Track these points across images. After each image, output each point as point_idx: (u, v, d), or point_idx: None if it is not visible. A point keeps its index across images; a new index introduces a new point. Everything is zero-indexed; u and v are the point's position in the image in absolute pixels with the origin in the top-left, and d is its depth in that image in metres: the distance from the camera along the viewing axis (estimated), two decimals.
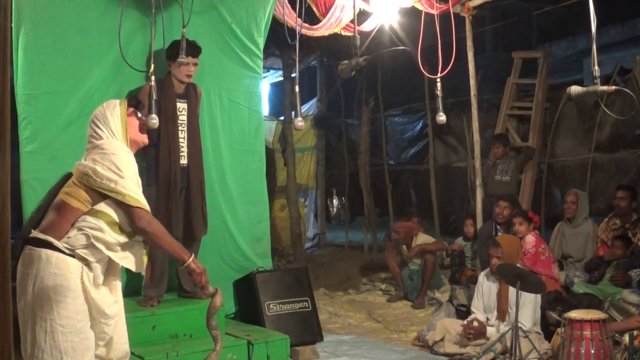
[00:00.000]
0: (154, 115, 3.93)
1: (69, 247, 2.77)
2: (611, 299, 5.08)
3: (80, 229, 2.78)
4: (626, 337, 4.26)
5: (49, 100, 4.53)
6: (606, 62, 8.40)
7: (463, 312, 5.85)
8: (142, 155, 4.50)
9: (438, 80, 4.37)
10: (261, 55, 5.56)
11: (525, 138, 8.04)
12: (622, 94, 5.30)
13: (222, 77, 5.35)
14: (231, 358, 4.37)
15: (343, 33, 5.88)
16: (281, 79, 11.00)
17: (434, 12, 5.08)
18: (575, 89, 3.30)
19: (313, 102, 11.99)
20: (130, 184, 2.80)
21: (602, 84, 3.31)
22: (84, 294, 2.79)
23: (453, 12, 5.14)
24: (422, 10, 5.34)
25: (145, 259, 3.02)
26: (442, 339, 5.14)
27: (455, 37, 4.38)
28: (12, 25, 4.10)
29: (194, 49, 4.72)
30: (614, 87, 3.24)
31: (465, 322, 5.06)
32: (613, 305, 4.93)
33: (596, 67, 3.19)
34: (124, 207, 2.81)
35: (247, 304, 5.26)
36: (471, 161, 8.33)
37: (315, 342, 5.22)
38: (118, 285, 2.98)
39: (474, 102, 6.69)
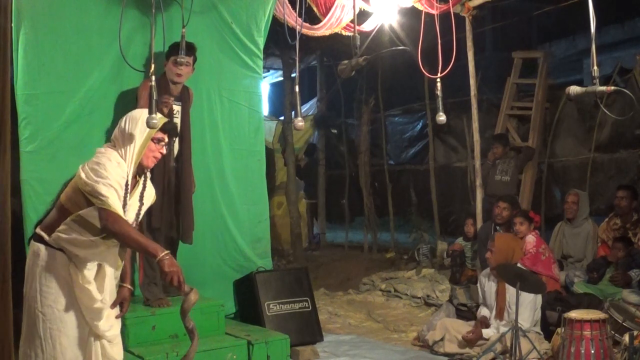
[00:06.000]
0: (154, 116, 3.93)
1: (55, 242, 2.92)
2: (611, 299, 5.08)
3: (63, 226, 2.92)
4: (626, 337, 4.26)
5: (49, 100, 4.52)
6: (606, 62, 8.41)
7: (463, 312, 5.85)
8: None
9: (438, 80, 4.37)
10: (261, 55, 5.56)
11: (525, 138, 8.03)
12: (622, 94, 5.30)
13: (222, 77, 5.35)
14: (231, 358, 4.37)
15: (343, 33, 5.88)
16: (281, 79, 11.00)
17: (434, 12, 5.08)
18: (574, 89, 3.29)
19: (313, 102, 11.98)
20: (104, 189, 2.85)
21: (602, 84, 3.30)
22: (68, 287, 2.92)
23: (453, 12, 5.13)
24: (422, 10, 5.34)
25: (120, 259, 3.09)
26: (442, 339, 5.14)
27: (455, 37, 4.38)
28: (12, 25, 4.10)
29: (187, 49, 4.70)
30: (612, 87, 3.23)
31: (470, 333, 5.05)
32: (613, 305, 4.92)
33: (595, 67, 3.18)
34: (97, 208, 2.88)
35: (247, 304, 5.26)
36: (471, 161, 8.32)
37: (315, 342, 5.22)
38: (108, 286, 3.03)
39: (474, 102, 6.69)
